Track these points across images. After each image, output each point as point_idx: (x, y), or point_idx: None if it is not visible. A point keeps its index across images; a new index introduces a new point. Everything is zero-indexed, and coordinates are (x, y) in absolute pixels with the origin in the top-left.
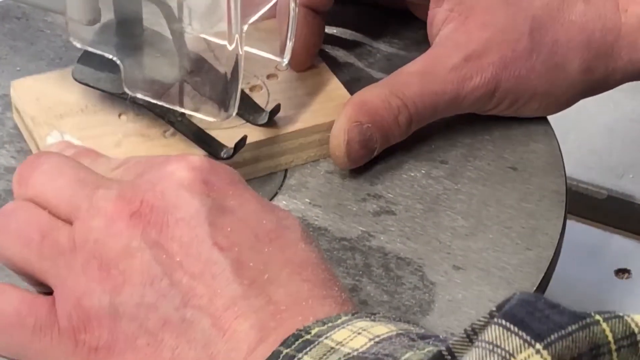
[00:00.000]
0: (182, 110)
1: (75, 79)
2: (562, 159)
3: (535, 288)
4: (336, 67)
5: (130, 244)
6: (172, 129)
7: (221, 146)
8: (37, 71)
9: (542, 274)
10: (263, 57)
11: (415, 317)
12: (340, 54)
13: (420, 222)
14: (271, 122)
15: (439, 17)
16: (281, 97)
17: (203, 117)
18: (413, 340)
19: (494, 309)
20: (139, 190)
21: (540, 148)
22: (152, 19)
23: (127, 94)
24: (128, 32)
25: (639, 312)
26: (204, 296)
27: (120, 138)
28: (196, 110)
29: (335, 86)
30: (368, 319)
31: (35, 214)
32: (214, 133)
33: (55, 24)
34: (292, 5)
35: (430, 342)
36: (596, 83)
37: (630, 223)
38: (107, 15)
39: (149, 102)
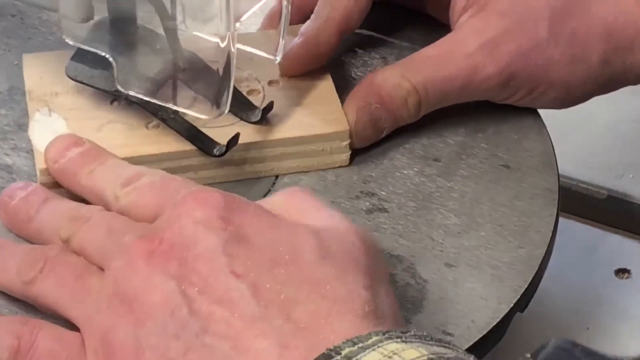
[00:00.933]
0: (175, 107)
1: (69, 76)
2: (555, 157)
3: (527, 285)
4: (344, 65)
5: (150, 279)
6: (155, 121)
7: (214, 144)
8: None
9: (534, 272)
10: (267, 60)
11: (407, 315)
12: (352, 52)
13: (413, 220)
14: (264, 121)
15: (459, 4)
16: (276, 105)
17: (195, 115)
18: None
19: (529, 355)
20: (159, 231)
21: (534, 146)
22: (146, 17)
23: (120, 92)
24: (121, 29)
25: (639, 312)
26: (222, 321)
27: (103, 123)
28: (189, 107)
29: (332, 101)
30: (399, 339)
31: (74, 258)
32: (207, 131)
33: (49, 22)
34: (285, 3)
35: None
36: (615, 76)
37: (630, 223)
38: (101, 12)
39: (142, 99)
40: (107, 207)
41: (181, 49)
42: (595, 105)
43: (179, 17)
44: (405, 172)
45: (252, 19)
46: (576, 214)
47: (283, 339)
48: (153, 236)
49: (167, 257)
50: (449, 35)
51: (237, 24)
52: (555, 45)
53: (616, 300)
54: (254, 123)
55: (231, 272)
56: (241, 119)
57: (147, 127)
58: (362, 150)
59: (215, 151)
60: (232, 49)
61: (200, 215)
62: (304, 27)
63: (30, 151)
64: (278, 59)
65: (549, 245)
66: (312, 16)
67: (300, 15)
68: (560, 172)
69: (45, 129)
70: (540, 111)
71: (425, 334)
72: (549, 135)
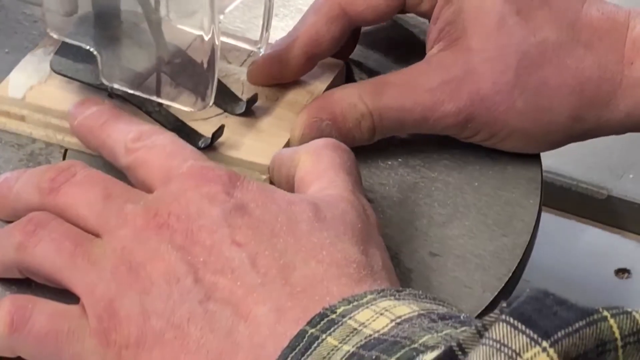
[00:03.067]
0: (160, 100)
1: (53, 70)
2: None
3: (511, 274)
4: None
5: (158, 249)
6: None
7: (199, 136)
8: (16, 63)
9: (518, 260)
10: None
11: None
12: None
13: (397, 210)
14: (249, 112)
15: (432, 35)
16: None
17: (180, 107)
18: (434, 321)
19: (504, 304)
20: (165, 204)
21: None
22: (130, 10)
23: (105, 85)
24: (105, 23)
25: None
26: (225, 289)
27: None
28: (173, 100)
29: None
30: (393, 297)
31: (69, 226)
32: (192, 124)
33: (33, 16)
34: None
35: (450, 324)
36: (587, 131)
37: (630, 223)
38: (85, 6)
39: (127, 93)
40: (116, 163)
41: (165, 42)
42: None
43: (163, 10)
44: (389, 162)
45: (234, 13)
46: (576, 214)
47: (280, 303)
48: (159, 208)
49: (174, 229)
50: (415, 65)
51: (221, 16)
52: (520, 93)
53: (616, 300)
54: (239, 115)
55: (232, 241)
56: (225, 111)
57: None
58: None
59: (201, 143)
60: (216, 42)
61: (206, 190)
62: (275, 42)
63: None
64: (261, 51)
65: (532, 234)
66: (288, 32)
67: None
68: (560, 172)
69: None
70: None
71: (420, 292)
72: None
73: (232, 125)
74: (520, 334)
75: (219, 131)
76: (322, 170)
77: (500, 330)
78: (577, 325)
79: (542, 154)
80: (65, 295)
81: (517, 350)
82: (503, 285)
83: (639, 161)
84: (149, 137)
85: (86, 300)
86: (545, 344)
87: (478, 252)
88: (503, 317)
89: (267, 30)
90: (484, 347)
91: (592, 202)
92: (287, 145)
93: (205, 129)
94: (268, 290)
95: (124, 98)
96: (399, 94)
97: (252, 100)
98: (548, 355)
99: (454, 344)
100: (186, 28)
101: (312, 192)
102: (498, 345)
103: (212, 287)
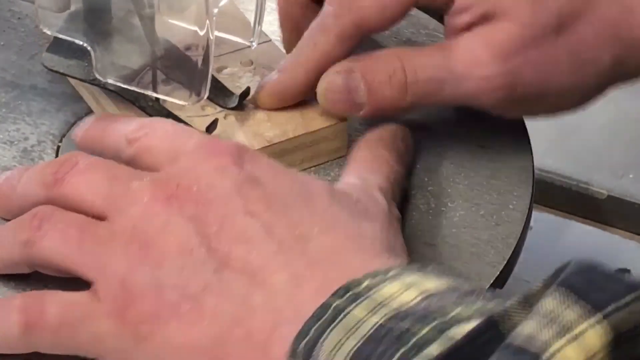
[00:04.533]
0: (154, 94)
1: (46, 67)
2: (529, 137)
3: (505, 262)
4: None
5: (169, 222)
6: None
7: None
8: (5, 60)
9: (512, 248)
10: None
11: None
12: None
13: None
14: (242, 106)
15: (455, 19)
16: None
17: (174, 101)
18: (463, 295)
19: (550, 276)
20: (174, 177)
21: (508, 127)
22: (122, 5)
23: (99, 80)
24: (98, 18)
25: None
26: (240, 258)
27: None
28: (167, 94)
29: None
30: (419, 272)
31: (73, 214)
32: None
33: (22, 14)
34: None
35: (481, 298)
36: (628, 75)
37: (630, 223)
38: (77, 2)
39: (120, 88)
40: (120, 157)
41: (158, 37)
42: (595, 105)
43: (156, 5)
44: None
45: (228, 6)
46: (576, 214)
47: (298, 272)
48: (168, 181)
49: (184, 200)
50: (452, 37)
51: (215, 10)
52: (563, 53)
53: None
54: (232, 109)
55: (246, 212)
56: (218, 104)
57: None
58: None
59: None
60: (211, 36)
61: (215, 162)
62: (284, 62)
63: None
64: (254, 45)
65: (525, 222)
66: (294, 51)
67: (290, 22)
68: (560, 172)
69: None
70: None
71: (445, 269)
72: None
73: (226, 119)
74: (571, 306)
75: (213, 125)
76: (362, 166)
77: (550, 302)
78: (627, 298)
79: (541, 154)
80: (69, 283)
81: (569, 324)
82: (498, 273)
83: (639, 161)
84: (149, 126)
85: (98, 282)
86: (598, 316)
87: (472, 241)
88: (553, 287)
89: (259, 24)
90: (534, 320)
91: (592, 202)
92: (282, 140)
93: (199, 124)
94: (285, 259)
95: (117, 93)
96: (438, 52)
97: (245, 94)
98: (602, 327)
99: (496, 313)
100: (181, 23)
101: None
102: (549, 318)
103: (226, 257)
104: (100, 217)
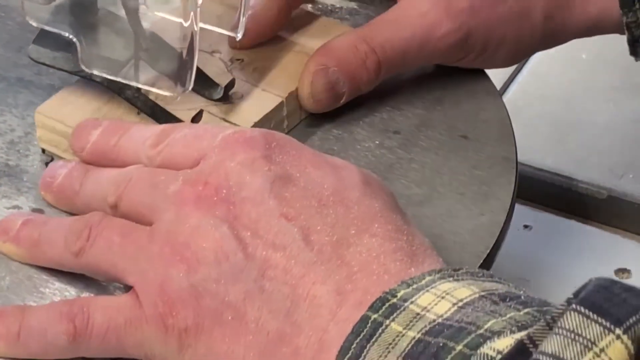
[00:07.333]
0: (139, 85)
1: (32, 59)
2: (512, 128)
3: (488, 251)
4: None
5: (199, 225)
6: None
7: (178, 121)
8: None
9: (495, 238)
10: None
11: None
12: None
13: None
14: (227, 97)
15: None
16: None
17: (159, 92)
18: (495, 303)
19: (572, 296)
20: (203, 175)
21: (490, 117)
22: None
23: (84, 72)
24: (84, 10)
25: None
26: (278, 266)
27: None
28: (152, 85)
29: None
30: (452, 278)
31: (119, 220)
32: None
33: (8, 7)
34: None
35: (512, 306)
36: (555, 32)
37: (630, 223)
38: None
39: (106, 79)
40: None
41: (143, 29)
42: (595, 105)
43: None
44: (366, 144)
45: None
46: (576, 214)
47: (340, 284)
48: (196, 180)
49: (214, 200)
50: (401, 1)
51: (199, 1)
52: (504, 2)
53: None
54: (217, 100)
55: (281, 214)
56: (203, 96)
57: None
58: (323, 124)
59: None
60: (195, 28)
61: (243, 157)
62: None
63: None
64: (239, 36)
65: (508, 212)
66: None
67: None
68: (560, 172)
69: None
70: (540, 110)
71: (477, 270)
72: (505, 108)
73: (211, 110)
74: (593, 322)
75: (198, 116)
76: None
77: (572, 320)
78: None
79: (542, 154)
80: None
81: (592, 339)
82: (481, 262)
83: (639, 161)
84: (167, 136)
85: (139, 288)
86: (618, 331)
87: (456, 230)
88: (573, 306)
89: (244, 15)
90: (558, 337)
91: (592, 202)
92: (266, 126)
93: (184, 116)
94: (325, 270)
95: (103, 84)
96: (397, 25)
97: (230, 85)
98: (622, 342)
99: (524, 336)
100: (165, 15)
101: None
102: (572, 335)
103: (264, 264)
104: (150, 224)
